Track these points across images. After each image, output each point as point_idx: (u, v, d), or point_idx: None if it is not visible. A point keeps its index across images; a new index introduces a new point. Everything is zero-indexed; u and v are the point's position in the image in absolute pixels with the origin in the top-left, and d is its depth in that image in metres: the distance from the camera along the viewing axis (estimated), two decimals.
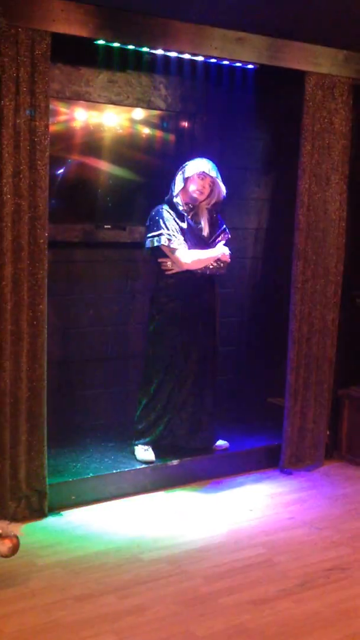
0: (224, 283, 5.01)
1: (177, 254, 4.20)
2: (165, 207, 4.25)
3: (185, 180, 4.22)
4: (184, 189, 4.24)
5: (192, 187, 4.23)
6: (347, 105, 4.58)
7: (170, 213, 4.23)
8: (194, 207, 4.32)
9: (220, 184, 4.26)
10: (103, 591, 3.22)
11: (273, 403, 5.32)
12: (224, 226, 4.40)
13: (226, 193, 4.31)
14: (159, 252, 4.26)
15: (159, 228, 4.18)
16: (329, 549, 3.68)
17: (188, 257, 4.21)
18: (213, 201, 4.32)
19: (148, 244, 4.24)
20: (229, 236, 4.43)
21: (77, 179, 4.75)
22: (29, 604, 3.10)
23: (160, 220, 4.20)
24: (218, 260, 4.31)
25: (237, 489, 4.38)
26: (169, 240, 4.17)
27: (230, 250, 4.40)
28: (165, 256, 4.25)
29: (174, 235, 4.18)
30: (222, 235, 4.38)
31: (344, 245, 4.74)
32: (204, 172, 4.21)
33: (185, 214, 4.29)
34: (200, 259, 4.25)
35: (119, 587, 3.25)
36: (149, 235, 4.23)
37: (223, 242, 4.36)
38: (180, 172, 4.24)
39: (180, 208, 4.26)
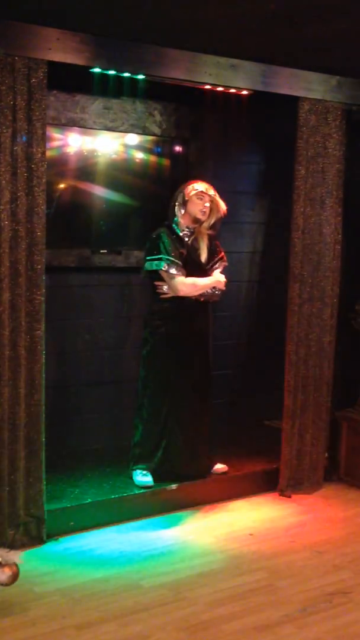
0: (220, 307, 5.03)
1: (175, 280, 4.22)
2: (166, 230, 4.28)
3: (185, 203, 4.25)
4: (185, 212, 4.27)
5: (193, 209, 4.27)
6: (341, 130, 4.63)
7: (170, 237, 4.26)
8: (193, 231, 4.35)
9: (218, 200, 4.30)
10: (104, 619, 3.19)
11: (270, 426, 5.31)
12: (222, 254, 4.43)
13: (225, 209, 4.32)
14: (156, 276, 4.28)
15: (159, 252, 4.21)
16: (331, 573, 3.66)
17: (184, 284, 4.24)
18: (213, 220, 4.36)
19: (147, 266, 4.26)
20: (227, 264, 4.46)
21: (73, 204, 4.78)
22: (29, 633, 3.07)
23: (161, 244, 4.22)
24: (214, 287, 4.34)
25: (236, 513, 4.36)
26: (168, 265, 4.19)
27: (225, 274, 4.42)
28: (162, 280, 4.27)
29: (173, 260, 4.21)
30: (219, 262, 4.41)
31: (339, 267, 4.77)
32: (202, 191, 4.25)
33: (186, 239, 4.31)
34: (197, 286, 4.28)
35: (119, 615, 3.22)
36: (149, 258, 4.26)
37: (220, 269, 4.39)
38: (179, 196, 4.27)
39: (181, 233, 4.29)
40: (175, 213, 4.29)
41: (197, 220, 4.31)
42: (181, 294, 4.25)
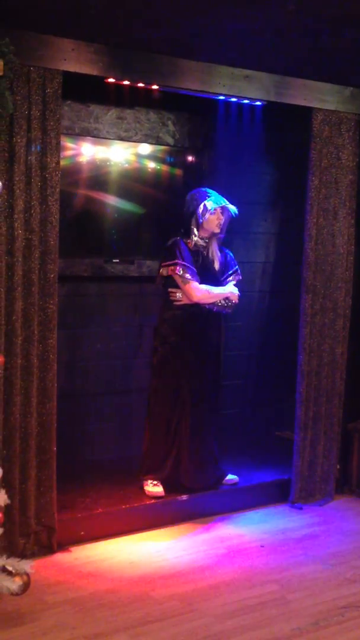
0: (232, 316, 5.00)
1: (190, 286, 4.23)
2: (181, 239, 4.30)
3: (204, 215, 4.25)
4: (201, 229, 4.29)
5: (209, 226, 4.30)
6: (354, 141, 4.63)
7: (186, 245, 4.27)
8: (208, 241, 4.36)
9: (228, 206, 4.30)
10: (114, 630, 3.18)
11: (282, 437, 5.29)
12: (237, 267, 4.44)
13: (237, 212, 4.33)
14: (170, 282, 4.29)
15: (174, 257, 4.23)
16: (343, 586, 3.63)
17: (199, 290, 4.25)
18: (226, 224, 4.38)
19: (162, 272, 4.29)
20: (240, 277, 4.47)
21: (87, 213, 4.80)
22: None
23: (177, 251, 4.24)
24: (226, 298, 4.35)
25: (247, 524, 4.34)
26: (183, 270, 4.20)
27: (238, 286, 4.43)
28: (176, 286, 4.27)
29: (188, 266, 4.23)
30: (233, 275, 4.42)
31: (352, 278, 4.76)
32: (224, 205, 4.27)
33: (202, 249, 4.34)
34: (211, 293, 4.29)
35: (129, 626, 3.21)
36: (164, 264, 4.27)
37: (234, 282, 4.40)
38: (201, 208, 4.25)
39: (200, 244, 4.32)
40: (190, 225, 4.30)
41: (213, 234, 4.34)
42: (195, 299, 4.26)
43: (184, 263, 4.23)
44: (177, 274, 4.22)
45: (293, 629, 3.23)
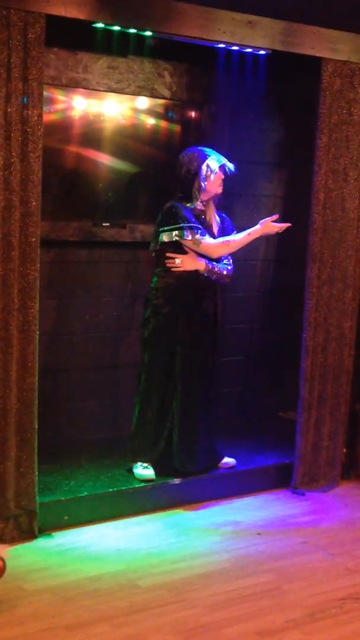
0: (233, 287, 5.04)
1: (206, 244, 4.26)
2: (180, 203, 4.31)
3: (208, 177, 4.26)
4: (203, 191, 4.30)
5: (212, 188, 4.31)
6: None
7: (185, 209, 4.29)
8: (207, 204, 4.38)
9: (227, 164, 4.33)
10: (96, 619, 3.24)
11: (285, 418, 5.34)
12: (235, 232, 4.46)
13: (235, 168, 4.36)
14: (169, 248, 4.30)
15: (177, 221, 4.23)
16: (343, 577, 3.69)
17: (217, 244, 4.30)
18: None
19: (162, 237, 4.27)
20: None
21: (74, 172, 4.79)
22: (15, 633, 3.13)
23: (179, 213, 4.24)
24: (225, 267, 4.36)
25: (244, 510, 4.39)
26: (192, 231, 4.22)
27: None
28: (174, 251, 4.29)
29: (197, 226, 4.25)
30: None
31: None
32: (224, 164, 4.30)
33: (201, 213, 4.37)
34: (231, 243, 4.35)
35: (113, 615, 3.27)
36: (164, 228, 4.26)
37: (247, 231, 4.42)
38: (204, 169, 4.25)
39: (199, 208, 4.35)
40: (191, 188, 4.30)
41: (214, 195, 4.36)
42: (216, 254, 4.31)
43: (190, 224, 4.23)
44: (186, 239, 4.22)
45: (287, 620, 3.29)
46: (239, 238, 4.37)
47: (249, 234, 4.38)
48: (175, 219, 4.24)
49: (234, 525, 4.20)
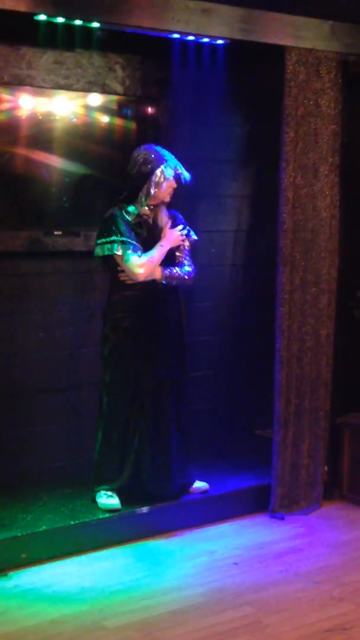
0: (199, 296, 5.04)
1: (130, 262, 4.21)
2: (121, 211, 4.30)
3: (160, 185, 4.24)
4: (152, 197, 4.27)
5: (162, 194, 4.29)
6: (336, 85, 4.64)
7: (125, 218, 4.28)
8: (154, 208, 4.36)
9: (183, 173, 4.31)
10: None
11: (261, 436, 5.32)
12: (187, 227, 4.44)
13: (190, 175, 4.34)
14: (112, 261, 4.29)
15: (110, 233, 4.23)
16: (328, 606, 3.67)
17: (140, 264, 4.21)
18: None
19: (97, 251, 4.28)
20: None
21: (22, 177, 4.76)
22: None
23: (114, 225, 4.24)
24: (178, 250, 4.35)
25: (219, 538, 4.37)
26: (122, 247, 4.21)
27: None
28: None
29: (127, 241, 4.22)
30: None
31: (337, 247, 4.78)
32: (180, 173, 4.29)
33: (147, 218, 4.34)
34: (153, 259, 4.26)
35: None
36: (98, 242, 4.28)
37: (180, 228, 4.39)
38: (157, 175, 4.23)
39: (145, 213, 4.32)
40: (138, 192, 4.27)
41: (162, 203, 4.35)
42: (141, 278, 4.24)
43: (122, 238, 4.21)
44: (115, 253, 4.21)
45: None
46: (155, 252, 4.30)
47: (161, 246, 4.32)
48: (109, 231, 4.24)
49: (209, 555, 4.18)
